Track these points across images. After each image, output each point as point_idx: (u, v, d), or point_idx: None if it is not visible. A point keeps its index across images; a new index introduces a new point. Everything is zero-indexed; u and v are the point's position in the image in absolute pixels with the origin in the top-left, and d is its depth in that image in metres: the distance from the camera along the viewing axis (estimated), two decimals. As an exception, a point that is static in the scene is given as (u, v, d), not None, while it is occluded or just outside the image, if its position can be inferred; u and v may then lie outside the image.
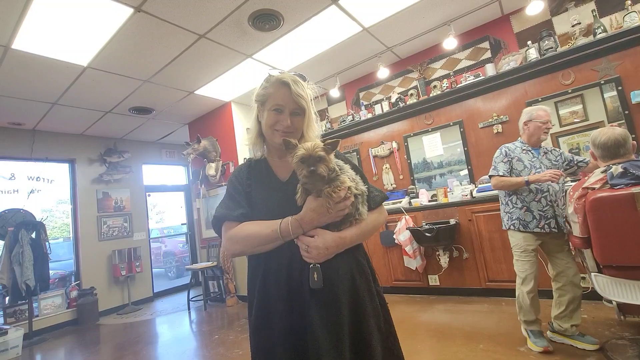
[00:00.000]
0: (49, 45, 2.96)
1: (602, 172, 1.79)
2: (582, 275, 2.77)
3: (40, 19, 2.63)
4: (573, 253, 2.30)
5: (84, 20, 2.71)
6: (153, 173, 6.52)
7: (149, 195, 6.39)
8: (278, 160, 1.07)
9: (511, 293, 3.11)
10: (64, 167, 5.33)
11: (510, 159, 2.30)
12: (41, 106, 4.16)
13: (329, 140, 0.91)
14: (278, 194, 1.00)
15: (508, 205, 2.32)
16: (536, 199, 2.20)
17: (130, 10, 2.65)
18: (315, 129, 1.07)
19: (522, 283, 2.22)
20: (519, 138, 2.40)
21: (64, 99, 4.04)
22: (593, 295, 2.59)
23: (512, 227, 2.27)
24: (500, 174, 2.28)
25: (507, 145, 2.38)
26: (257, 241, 0.93)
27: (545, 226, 2.16)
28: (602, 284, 1.80)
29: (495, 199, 3.18)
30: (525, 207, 2.21)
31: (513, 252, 2.30)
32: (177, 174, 7.09)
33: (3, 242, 4.18)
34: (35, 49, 2.98)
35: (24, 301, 4.22)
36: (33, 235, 4.33)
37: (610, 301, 2.21)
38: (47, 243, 4.42)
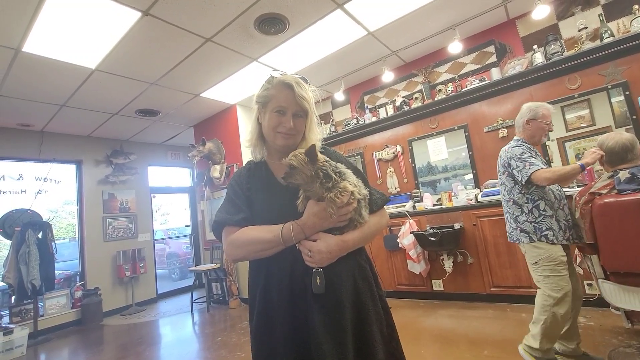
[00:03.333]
0: (58, 48, 3.01)
1: (609, 178, 1.77)
2: (588, 281, 2.74)
3: (50, 23, 2.67)
4: (579, 260, 2.27)
5: (93, 23, 2.75)
6: (158, 175, 6.57)
7: (154, 196, 6.43)
8: (278, 163, 1.05)
9: (516, 299, 3.10)
10: (71, 168, 5.39)
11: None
12: (50, 108, 4.22)
13: (304, 149, 0.89)
14: (279, 198, 0.99)
15: (532, 213, 1.94)
16: (560, 207, 1.94)
17: (138, 14, 2.69)
18: (317, 132, 1.06)
19: (556, 304, 1.82)
20: (519, 138, 2.11)
21: (72, 101, 4.10)
22: (600, 303, 2.56)
23: (543, 238, 1.89)
24: (542, 166, 1.89)
25: (516, 144, 2.06)
26: (259, 246, 0.92)
27: (570, 237, 1.92)
28: (609, 291, 1.78)
29: (500, 203, 3.15)
30: (554, 216, 1.90)
31: (541, 267, 1.91)
32: (182, 175, 7.13)
33: (10, 241, 4.22)
34: (44, 51, 3.03)
35: (29, 301, 4.26)
36: (39, 236, 4.37)
37: (617, 308, 2.18)
38: (53, 243, 4.46)
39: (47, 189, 5.02)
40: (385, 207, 1.09)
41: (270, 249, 0.91)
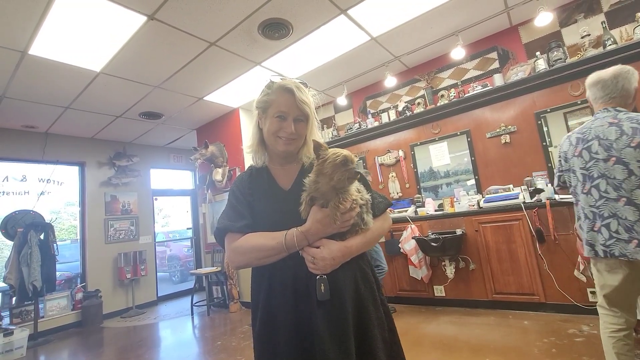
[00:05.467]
0: (64, 51, 3.04)
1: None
2: (592, 289, 2.72)
3: (57, 26, 2.70)
4: (583, 267, 2.26)
5: (99, 27, 2.78)
6: (160, 177, 6.59)
7: (156, 199, 6.45)
8: (280, 168, 1.05)
9: (518, 306, 3.07)
10: (74, 170, 5.42)
11: None
12: (54, 110, 4.25)
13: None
14: (280, 204, 0.98)
15: None
16: None
17: (144, 18, 2.72)
18: (318, 136, 1.05)
19: None
20: (620, 110, 1.57)
21: (76, 103, 4.13)
22: (603, 311, 2.53)
23: None
24: None
25: None
26: (262, 253, 0.91)
27: None
28: (614, 299, 1.75)
29: (502, 209, 3.15)
30: None
31: None
32: (184, 178, 7.15)
33: (12, 242, 4.23)
34: (50, 54, 3.06)
35: (30, 302, 4.26)
36: (41, 237, 4.39)
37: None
38: (54, 244, 4.47)
39: (50, 190, 5.04)
40: (388, 210, 1.09)
41: (273, 256, 0.91)
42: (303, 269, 0.90)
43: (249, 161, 1.14)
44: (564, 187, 1.79)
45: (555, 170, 1.82)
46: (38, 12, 2.53)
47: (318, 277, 0.88)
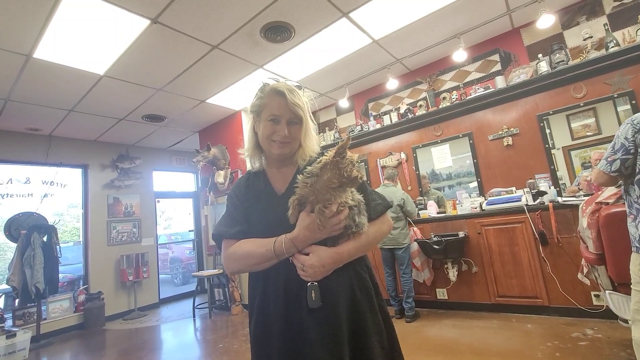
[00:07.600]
0: (68, 54, 3.07)
1: (616, 187, 1.76)
2: (596, 293, 2.70)
3: (61, 30, 2.73)
4: (586, 270, 2.24)
5: (103, 31, 2.80)
6: (163, 179, 6.61)
7: (158, 201, 6.46)
8: (276, 172, 1.04)
9: (521, 309, 3.05)
10: (77, 172, 5.45)
11: None
12: (58, 113, 4.28)
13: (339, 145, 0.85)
14: (274, 209, 0.97)
15: None
16: None
17: (147, 22, 2.74)
18: (314, 138, 1.03)
19: None
20: None
21: (80, 106, 4.16)
22: (608, 314, 2.52)
23: None
24: None
25: None
26: (253, 260, 0.91)
27: None
28: (617, 302, 1.75)
29: (505, 212, 3.14)
30: None
31: None
32: (186, 181, 7.17)
33: (16, 244, 4.25)
34: (55, 58, 3.09)
35: (32, 304, 4.27)
36: (45, 239, 4.40)
37: (626, 320, 2.13)
38: (57, 247, 4.48)
39: (53, 193, 5.06)
40: (388, 212, 1.05)
41: (264, 263, 0.91)
42: (294, 275, 0.89)
43: (250, 164, 1.13)
44: (624, 174, 1.47)
45: (612, 154, 1.48)
46: (43, 16, 2.55)
47: (309, 284, 0.87)
